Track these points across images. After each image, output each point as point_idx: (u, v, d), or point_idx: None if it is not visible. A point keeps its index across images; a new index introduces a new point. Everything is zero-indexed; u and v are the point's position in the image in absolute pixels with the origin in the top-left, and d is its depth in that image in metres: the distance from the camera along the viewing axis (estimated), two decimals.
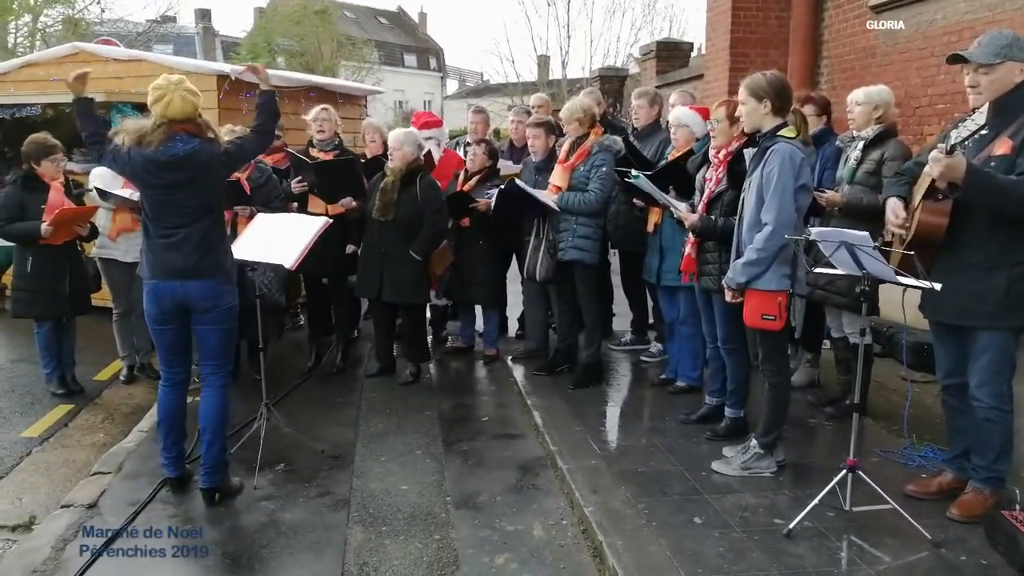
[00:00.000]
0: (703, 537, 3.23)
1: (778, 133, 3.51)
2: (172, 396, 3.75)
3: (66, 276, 5.11)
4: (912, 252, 3.09)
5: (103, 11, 22.87)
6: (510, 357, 5.83)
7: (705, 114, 4.52)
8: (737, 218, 3.70)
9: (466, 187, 5.52)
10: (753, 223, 3.54)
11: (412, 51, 50.76)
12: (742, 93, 3.58)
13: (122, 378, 5.73)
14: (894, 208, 3.30)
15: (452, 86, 53.42)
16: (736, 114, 3.74)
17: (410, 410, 4.98)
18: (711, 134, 4.13)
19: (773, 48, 7.88)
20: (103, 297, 5.68)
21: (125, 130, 3.51)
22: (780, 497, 3.56)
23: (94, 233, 5.24)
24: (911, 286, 3.08)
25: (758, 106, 3.53)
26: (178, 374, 3.76)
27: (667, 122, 5.54)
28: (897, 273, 3.08)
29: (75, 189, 5.36)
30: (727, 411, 4.29)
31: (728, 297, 3.67)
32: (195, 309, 3.59)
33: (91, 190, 5.34)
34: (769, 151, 3.48)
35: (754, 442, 3.81)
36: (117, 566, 3.22)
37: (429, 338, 6.25)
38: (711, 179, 4.12)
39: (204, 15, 42.14)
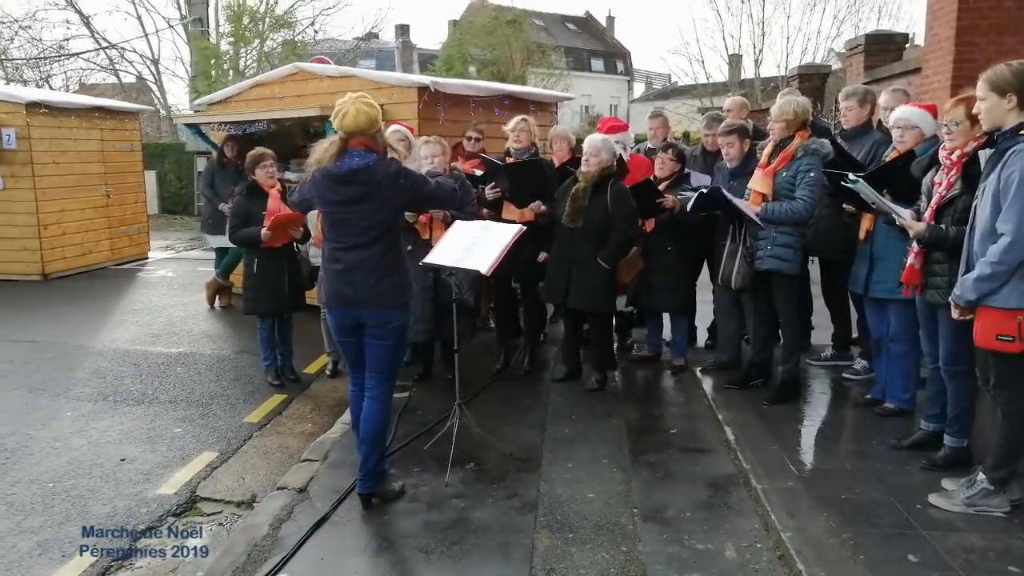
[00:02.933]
0: None
1: (1021, 132, 3.11)
2: (359, 398, 3.82)
3: (285, 276, 5.59)
4: None
5: (316, 32, 25.01)
6: (699, 368, 5.65)
7: (934, 112, 4.11)
8: (968, 227, 3.32)
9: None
10: (987, 233, 3.15)
11: (599, 56, 50.92)
12: (981, 87, 3.19)
13: (327, 372, 6.18)
14: None
15: (639, 89, 52.97)
16: (975, 111, 3.34)
17: (596, 417, 4.95)
18: (945, 135, 3.71)
19: (1010, 35, 7.00)
20: (313, 295, 6.14)
21: (314, 151, 3.59)
22: (1015, 541, 3.16)
23: (307, 235, 5.69)
24: None
25: (1000, 101, 3.14)
26: (362, 379, 3.82)
27: (878, 122, 5.14)
28: None
29: (290, 195, 5.85)
30: (947, 439, 3.88)
31: (955, 315, 3.30)
32: (366, 325, 3.66)
33: None
34: (1009, 152, 3.09)
35: (982, 476, 3.41)
36: (322, 550, 3.45)
37: (615, 345, 6.19)
38: (941, 183, 3.72)
39: (403, 30, 44.78)
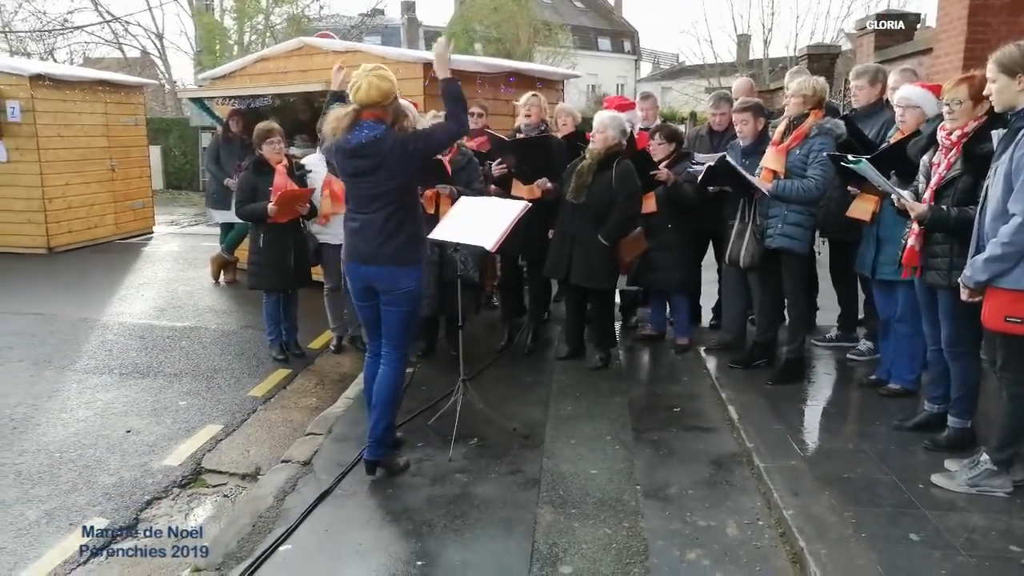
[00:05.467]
0: (921, 557, 2.94)
1: None
2: (375, 366, 3.89)
3: (291, 251, 5.58)
4: None
5: (321, 8, 24.85)
6: (703, 348, 5.64)
7: (937, 92, 4.07)
8: (979, 208, 3.29)
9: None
10: (999, 214, 3.12)
11: (606, 34, 50.48)
12: (991, 69, 3.16)
13: (332, 348, 6.19)
14: None
15: (646, 69, 52.58)
16: (985, 93, 3.30)
17: (600, 395, 4.96)
18: (946, 114, 3.67)
19: None
20: (318, 272, 6.15)
21: (327, 121, 3.62)
22: (1017, 521, 3.17)
23: (313, 212, 5.67)
24: None
25: (1011, 82, 3.10)
26: (378, 346, 3.89)
27: (887, 101, 5.09)
28: None
29: (297, 171, 5.83)
30: (951, 420, 3.88)
31: (964, 296, 3.29)
32: (378, 290, 3.71)
33: (310, 171, 5.81)
34: (1022, 132, 3.06)
35: (985, 456, 3.42)
36: (326, 522, 3.47)
37: (617, 324, 6.18)
38: (939, 164, 3.69)
39: (409, 7, 44.34)
